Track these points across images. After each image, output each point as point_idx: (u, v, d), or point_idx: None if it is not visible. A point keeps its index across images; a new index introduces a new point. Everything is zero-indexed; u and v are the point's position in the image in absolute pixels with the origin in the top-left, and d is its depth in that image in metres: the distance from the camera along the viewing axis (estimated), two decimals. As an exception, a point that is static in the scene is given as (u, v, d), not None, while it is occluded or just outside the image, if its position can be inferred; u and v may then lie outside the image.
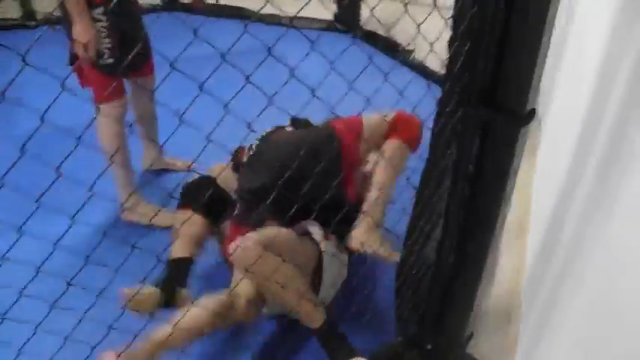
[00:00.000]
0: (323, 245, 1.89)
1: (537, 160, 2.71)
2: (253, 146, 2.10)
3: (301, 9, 1.11)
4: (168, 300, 1.86)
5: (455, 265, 1.48)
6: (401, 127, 2.04)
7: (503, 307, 1.93)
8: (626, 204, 0.97)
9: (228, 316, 1.77)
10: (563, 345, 1.22)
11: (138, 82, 2.51)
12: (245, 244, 1.67)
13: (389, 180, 1.94)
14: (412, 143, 2.06)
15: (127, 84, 2.43)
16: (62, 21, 2.12)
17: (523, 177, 2.60)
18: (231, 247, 1.72)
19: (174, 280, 1.91)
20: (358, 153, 2.04)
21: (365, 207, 1.89)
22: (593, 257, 1.12)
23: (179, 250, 1.96)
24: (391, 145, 2.02)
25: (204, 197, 1.98)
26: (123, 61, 2.12)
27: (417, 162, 1.48)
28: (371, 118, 2.01)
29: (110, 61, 2.18)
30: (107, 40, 2.14)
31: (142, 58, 2.43)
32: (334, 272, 1.93)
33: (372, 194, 1.92)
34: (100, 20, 2.10)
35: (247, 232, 1.77)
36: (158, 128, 2.75)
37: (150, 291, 1.82)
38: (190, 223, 1.96)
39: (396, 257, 1.72)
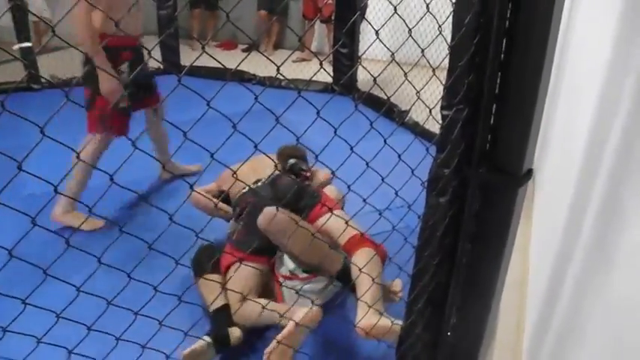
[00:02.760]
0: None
1: (534, 213, 2.73)
2: (260, 183, 2.49)
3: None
4: (224, 343, 2.06)
5: (456, 325, 1.47)
6: (363, 241, 2.19)
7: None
8: (625, 256, 0.98)
9: None
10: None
11: (149, 111, 3.23)
12: (270, 211, 2.10)
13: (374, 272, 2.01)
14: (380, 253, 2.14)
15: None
16: (86, 76, 2.74)
17: (521, 232, 2.61)
18: (261, 219, 2.14)
19: (223, 325, 2.10)
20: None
21: (363, 298, 1.95)
22: (593, 315, 1.12)
23: (215, 302, 2.16)
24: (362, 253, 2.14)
25: (209, 263, 2.28)
26: (132, 105, 2.89)
27: (416, 221, 1.50)
28: (333, 222, 2.16)
29: (123, 105, 2.82)
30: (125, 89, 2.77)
31: (148, 94, 3.12)
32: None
33: (363, 287, 1.98)
34: (123, 72, 2.76)
35: (242, 255, 2.06)
36: (168, 144, 3.49)
37: (203, 344, 1.99)
38: (210, 284, 2.18)
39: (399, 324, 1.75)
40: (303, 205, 2.35)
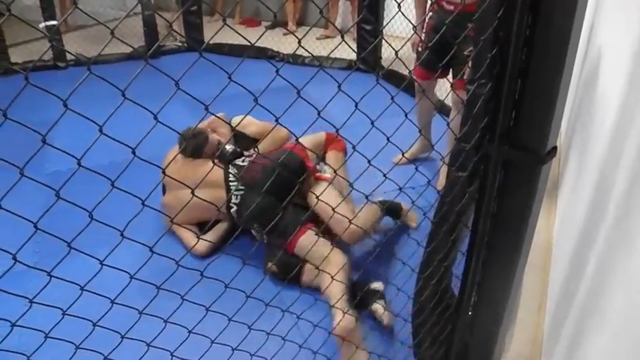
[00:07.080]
0: None
1: (559, 197, 2.70)
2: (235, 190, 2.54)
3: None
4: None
5: (477, 304, 1.47)
6: (334, 142, 2.86)
7: (525, 347, 1.90)
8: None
9: None
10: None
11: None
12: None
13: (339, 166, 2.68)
14: (343, 151, 2.87)
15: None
16: None
17: (545, 215, 2.58)
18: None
19: None
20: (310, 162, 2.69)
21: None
22: (614, 295, 1.11)
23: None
24: (333, 155, 2.83)
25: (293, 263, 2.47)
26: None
27: (434, 196, 1.48)
28: (306, 139, 2.73)
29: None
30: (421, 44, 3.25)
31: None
32: None
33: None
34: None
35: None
36: None
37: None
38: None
39: None
40: (298, 170, 2.49)
